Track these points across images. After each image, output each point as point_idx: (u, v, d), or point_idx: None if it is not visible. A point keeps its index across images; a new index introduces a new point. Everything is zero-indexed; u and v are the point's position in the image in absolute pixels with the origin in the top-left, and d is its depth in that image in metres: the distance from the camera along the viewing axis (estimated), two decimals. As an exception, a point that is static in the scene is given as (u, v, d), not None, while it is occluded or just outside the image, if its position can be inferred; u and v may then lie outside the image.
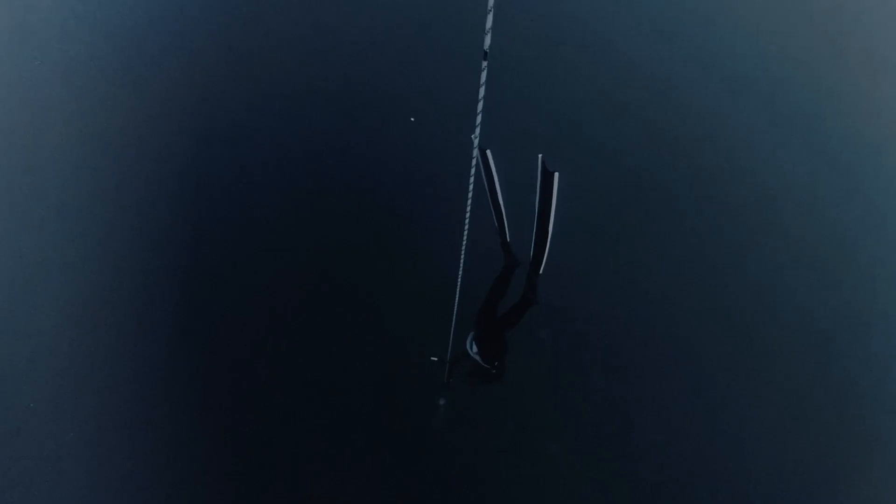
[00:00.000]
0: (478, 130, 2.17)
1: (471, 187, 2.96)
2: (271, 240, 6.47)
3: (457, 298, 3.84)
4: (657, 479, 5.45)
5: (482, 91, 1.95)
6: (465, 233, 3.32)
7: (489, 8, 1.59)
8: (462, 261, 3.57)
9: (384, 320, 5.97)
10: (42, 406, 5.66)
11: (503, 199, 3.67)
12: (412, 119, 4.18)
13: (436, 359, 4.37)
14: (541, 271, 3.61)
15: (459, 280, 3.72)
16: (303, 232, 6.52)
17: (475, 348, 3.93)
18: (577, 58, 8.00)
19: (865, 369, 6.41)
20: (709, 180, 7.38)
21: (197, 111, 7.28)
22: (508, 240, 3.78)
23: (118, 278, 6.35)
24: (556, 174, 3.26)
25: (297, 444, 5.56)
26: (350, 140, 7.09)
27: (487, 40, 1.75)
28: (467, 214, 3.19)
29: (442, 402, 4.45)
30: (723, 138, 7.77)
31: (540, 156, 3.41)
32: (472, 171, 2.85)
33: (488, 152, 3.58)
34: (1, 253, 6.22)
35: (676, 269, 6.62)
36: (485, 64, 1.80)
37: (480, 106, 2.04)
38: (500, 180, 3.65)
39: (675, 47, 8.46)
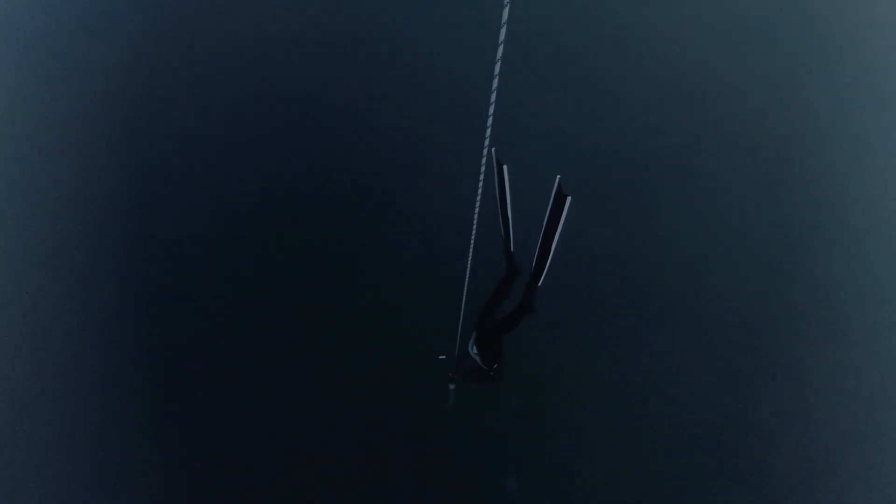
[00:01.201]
0: (488, 132, 2.52)
1: (478, 199, 3.27)
2: (288, 243, 6.77)
3: (463, 300, 4.14)
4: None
5: (493, 93, 2.31)
6: (473, 238, 3.64)
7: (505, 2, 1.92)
8: (469, 265, 3.87)
9: (397, 320, 6.32)
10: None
11: (512, 213, 3.95)
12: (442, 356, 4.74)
13: (443, 356, 4.68)
14: (540, 283, 3.85)
15: (466, 283, 4.03)
16: (319, 237, 6.79)
17: (475, 350, 4.19)
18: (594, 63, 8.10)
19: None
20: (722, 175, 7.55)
21: (201, 113, 7.54)
22: (513, 249, 4.03)
23: (111, 276, 6.74)
24: (569, 198, 3.49)
25: (315, 434, 5.92)
26: (363, 145, 7.29)
27: (502, 34, 2.08)
28: (474, 225, 3.50)
29: (452, 387, 4.77)
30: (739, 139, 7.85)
31: (558, 177, 3.67)
32: (480, 183, 3.16)
33: (505, 167, 3.80)
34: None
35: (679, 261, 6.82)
36: (498, 63, 2.18)
37: (491, 110, 2.40)
38: (511, 194, 3.92)
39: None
